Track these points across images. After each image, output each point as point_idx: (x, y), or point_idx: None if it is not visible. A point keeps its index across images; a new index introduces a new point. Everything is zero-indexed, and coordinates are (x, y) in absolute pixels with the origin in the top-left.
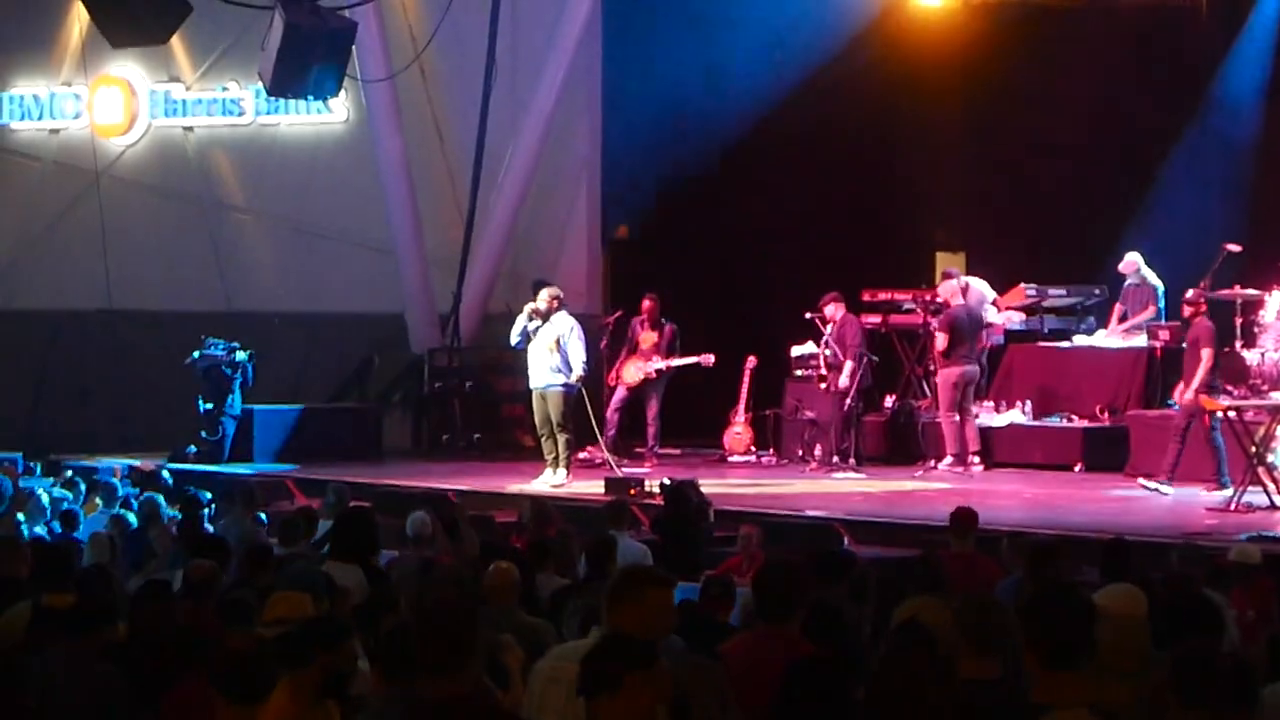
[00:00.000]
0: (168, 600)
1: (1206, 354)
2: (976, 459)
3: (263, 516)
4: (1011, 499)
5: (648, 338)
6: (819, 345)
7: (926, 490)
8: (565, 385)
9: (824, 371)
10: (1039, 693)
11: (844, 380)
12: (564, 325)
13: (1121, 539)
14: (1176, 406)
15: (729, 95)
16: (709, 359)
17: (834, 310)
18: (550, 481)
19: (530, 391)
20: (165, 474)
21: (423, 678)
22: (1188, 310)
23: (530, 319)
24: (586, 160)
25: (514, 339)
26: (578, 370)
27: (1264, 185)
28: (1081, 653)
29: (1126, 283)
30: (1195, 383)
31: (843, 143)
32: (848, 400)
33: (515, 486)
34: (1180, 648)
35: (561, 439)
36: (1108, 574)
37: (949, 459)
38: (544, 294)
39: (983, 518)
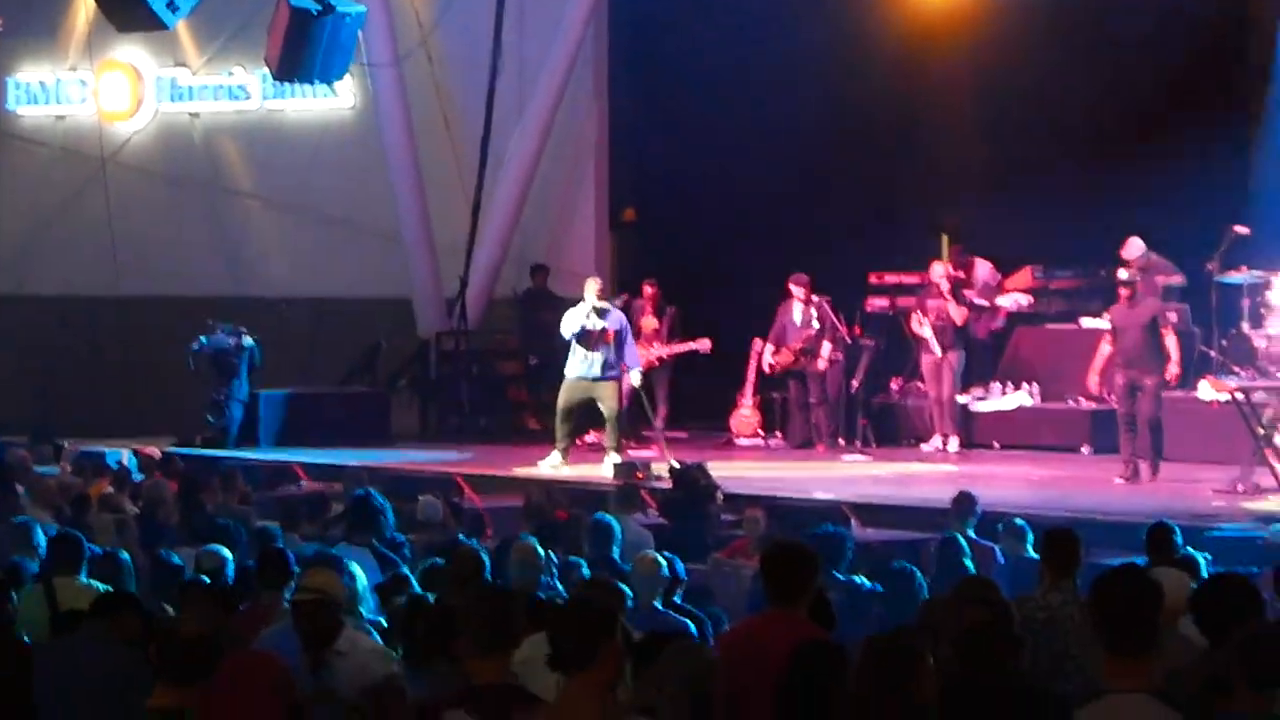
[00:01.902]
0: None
1: (1172, 338)
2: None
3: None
4: (1019, 481)
5: (649, 323)
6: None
7: (935, 473)
8: (616, 375)
9: (799, 353)
10: (1105, 677)
11: (822, 364)
12: (620, 319)
13: (1164, 522)
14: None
15: (738, 78)
16: (705, 344)
17: (798, 290)
18: (613, 462)
19: (566, 378)
20: (174, 458)
21: (472, 658)
22: (1125, 291)
23: (587, 316)
24: (593, 143)
25: (570, 332)
26: (638, 365)
27: (1271, 168)
28: (1148, 638)
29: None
30: (1175, 361)
31: (852, 124)
32: (836, 381)
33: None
34: (1247, 633)
35: (619, 428)
36: (1153, 556)
37: (956, 440)
38: (595, 285)
39: (991, 500)
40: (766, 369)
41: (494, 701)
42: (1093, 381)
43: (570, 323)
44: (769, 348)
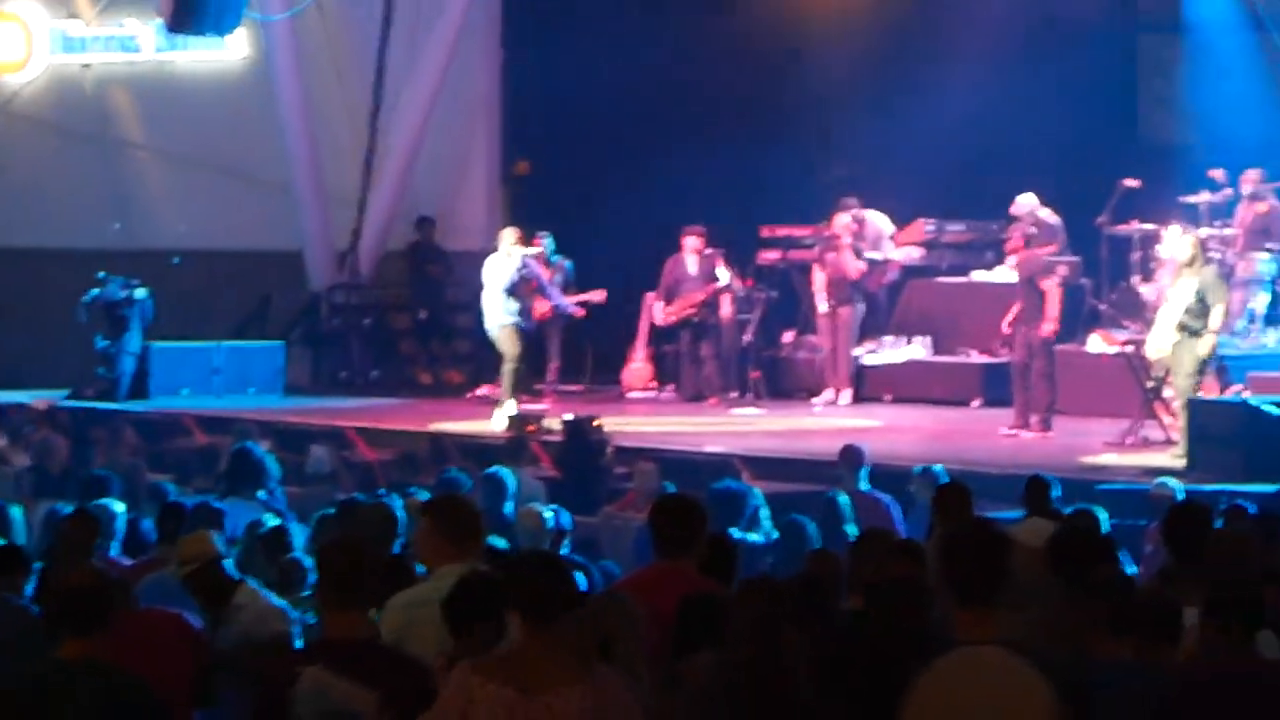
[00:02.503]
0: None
1: (1054, 289)
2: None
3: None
4: (911, 434)
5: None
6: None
7: (826, 426)
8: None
9: (696, 307)
10: (954, 628)
11: (725, 315)
12: (537, 267)
13: (1040, 475)
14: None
15: (632, 30)
16: (599, 296)
17: (694, 242)
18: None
19: (503, 327)
20: (59, 411)
21: (327, 614)
22: (1009, 245)
23: (521, 266)
24: (485, 96)
25: (504, 282)
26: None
27: (1156, 121)
28: (995, 589)
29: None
30: (1056, 313)
31: (744, 76)
32: (731, 334)
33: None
34: (1103, 580)
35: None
36: (1029, 509)
37: (848, 393)
38: (515, 234)
39: (882, 453)
40: (660, 322)
41: (352, 656)
42: (1004, 324)
43: (501, 273)
44: (659, 303)
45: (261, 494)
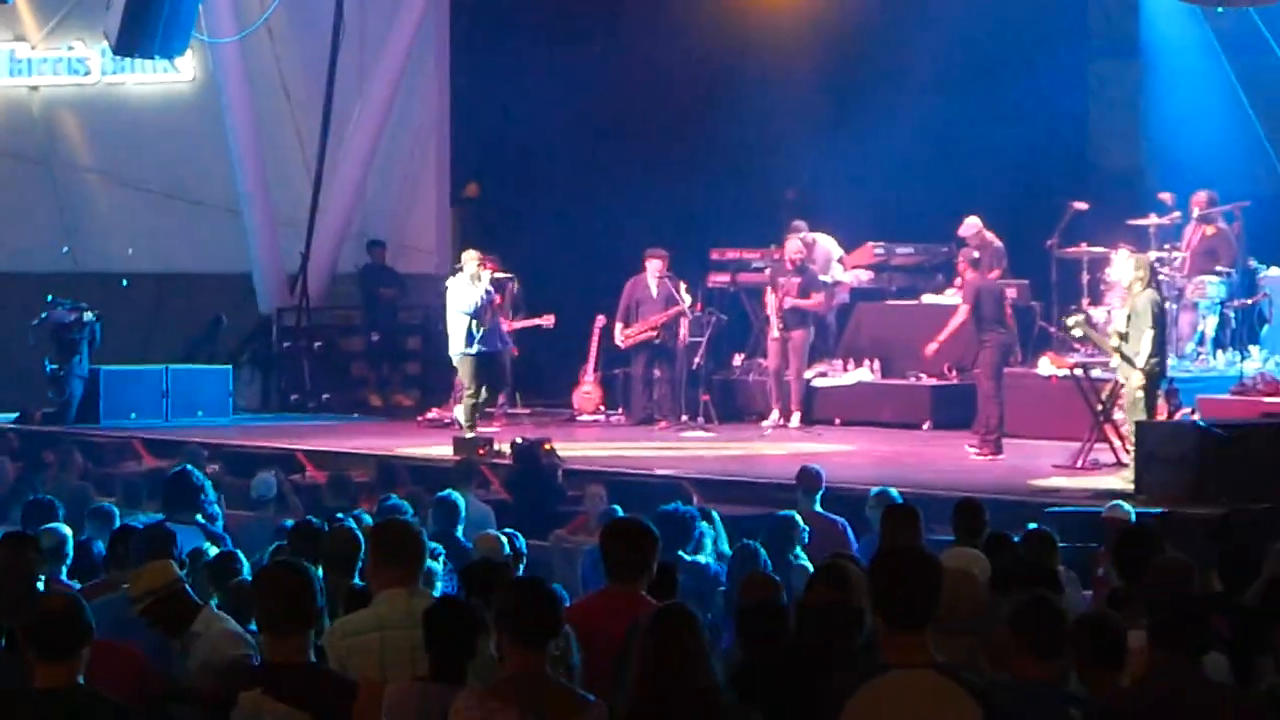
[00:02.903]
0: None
1: (963, 310)
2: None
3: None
4: (861, 457)
5: None
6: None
7: (776, 449)
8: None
9: (657, 330)
10: (886, 652)
11: (683, 338)
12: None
13: (971, 498)
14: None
15: (580, 51)
16: (549, 320)
17: (656, 265)
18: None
19: (463, 353)
20: (7, 434)
21: (268, 637)
22: (960, 266)
23: (485, 291)
24: (435, 118)
25: (469, 307)
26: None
27: (1107, 144)
28: (926, 613)
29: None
30: (943, 336)
31: (694, 101)
32: (685, 358)
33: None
34: (1021, 601)
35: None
36: (960, 533)
37: (797, 416)
38: (477, 257)
39: (831, 476)
40: (620, 343)
41: (292, 681)
42: (930, 348)
43: (466, 298)
44: (619, 324)
45: (199, 518)
